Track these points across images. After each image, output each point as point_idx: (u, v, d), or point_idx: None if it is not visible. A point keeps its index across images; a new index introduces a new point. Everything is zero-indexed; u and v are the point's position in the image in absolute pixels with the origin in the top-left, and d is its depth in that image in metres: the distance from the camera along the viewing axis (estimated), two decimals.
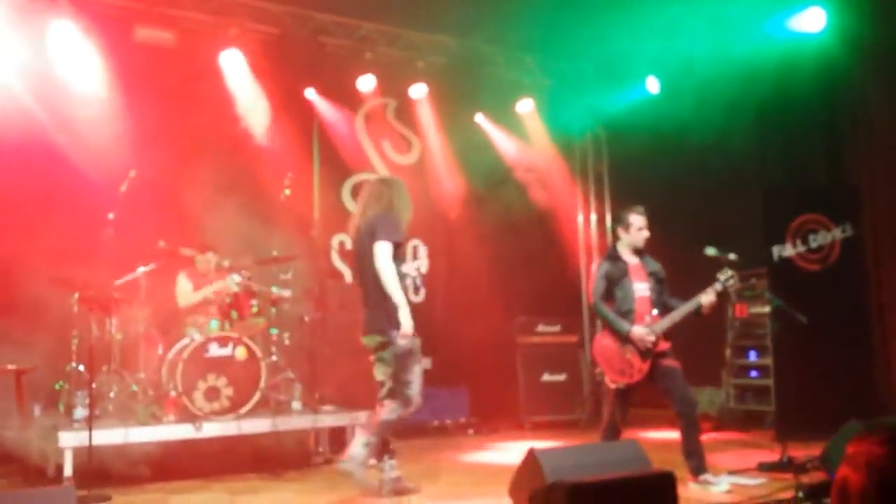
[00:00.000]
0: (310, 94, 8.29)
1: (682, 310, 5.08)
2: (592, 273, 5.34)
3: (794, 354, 6.74)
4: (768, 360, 7.76)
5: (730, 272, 5.06)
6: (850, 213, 7.07)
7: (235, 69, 7.68)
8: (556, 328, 8.58)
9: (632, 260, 5.29)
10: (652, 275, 5.26)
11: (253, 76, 7.74)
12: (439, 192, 8.93)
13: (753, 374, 8.00)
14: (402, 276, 4.91)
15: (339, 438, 6.46)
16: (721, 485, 4.89)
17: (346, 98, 8.52)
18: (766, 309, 7.70)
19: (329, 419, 6.22)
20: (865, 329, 6.85)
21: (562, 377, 8.38)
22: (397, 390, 4.92)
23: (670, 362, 5.10)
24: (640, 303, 5.16)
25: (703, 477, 4.96)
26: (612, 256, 5.32)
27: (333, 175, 8.51)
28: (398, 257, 4.92)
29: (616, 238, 5.40)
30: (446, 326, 8.75)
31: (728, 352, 8.11)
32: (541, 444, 5.24)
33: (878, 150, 6.96)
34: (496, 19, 7.79)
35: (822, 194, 7.25)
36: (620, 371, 5.09)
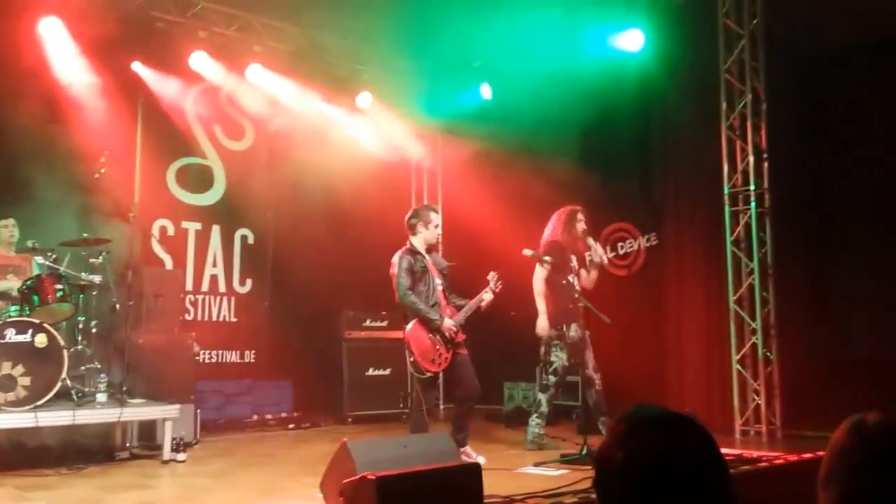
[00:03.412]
0: (136, 67, 7.80)
1: (472, 305, 5.67)
2: (395, 267, 5.54)
3: (598, 353, 7.19)
4: None
5: (496, 276, 5.69)
6: (655, 224, 7.67)
7: (54, 38, 7.14)
8: (384, 323, 8.66)
9: (427, 256, 5.64)
10: (441, 272, 5.70)
11: (74, 46, 7.22)
12: (271, 180, 8.72)
13: None
14: None
15: (148, 432, 6.17)
16: (479, 459, 5.17)
17: (177, 77, 8.10)
18: None
19: (136, 412, 5.91)
20: (662, 332, 7.45)
21: (387, 371, 8.48)
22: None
23: (465, 352, 5.61)
24: (439, 297, 5.60)
25: (464, 450, 5.36)
26: (413, 251, 5.57)
27: (158, 157, 8.08)
28: None
29: (413, 233, 5.64)
30: (271, 318, 8.60)
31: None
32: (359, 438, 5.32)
33: (682, 168, 7.58)
34: (338, 10, 7.75)
35: (632, 206, 7.80)
36: (432, 360, 5.42)
